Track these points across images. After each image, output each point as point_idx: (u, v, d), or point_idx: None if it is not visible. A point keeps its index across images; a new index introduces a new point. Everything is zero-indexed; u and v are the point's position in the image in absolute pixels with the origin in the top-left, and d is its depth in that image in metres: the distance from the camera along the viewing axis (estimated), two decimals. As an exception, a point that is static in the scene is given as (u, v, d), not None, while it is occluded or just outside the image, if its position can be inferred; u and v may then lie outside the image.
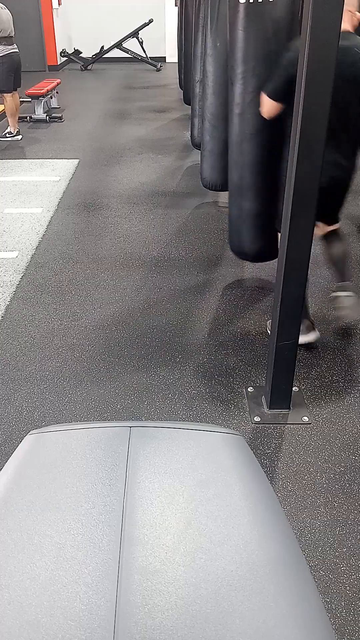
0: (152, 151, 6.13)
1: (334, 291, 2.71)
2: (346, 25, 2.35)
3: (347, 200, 4.64)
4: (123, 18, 11.89)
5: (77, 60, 12.31)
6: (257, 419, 2.34)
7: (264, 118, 2.60)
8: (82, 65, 12.11)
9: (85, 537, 0.76)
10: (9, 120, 6.52)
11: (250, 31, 2.57)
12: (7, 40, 6.06)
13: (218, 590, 0.70)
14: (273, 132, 2.73)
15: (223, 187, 4.30)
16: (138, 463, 0.90)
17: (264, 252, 3.10)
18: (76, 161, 5.78)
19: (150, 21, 11.55)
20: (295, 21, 2.62)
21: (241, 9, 2.55)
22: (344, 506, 1.96)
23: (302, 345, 2.72)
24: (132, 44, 11.88)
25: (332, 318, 3.03)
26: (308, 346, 2.79)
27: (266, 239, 3.01)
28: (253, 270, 3.61)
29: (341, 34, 1.84)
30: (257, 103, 2.64)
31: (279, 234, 2.36)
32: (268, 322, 3.05)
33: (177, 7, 9.10)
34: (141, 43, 11.70)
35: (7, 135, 6.56)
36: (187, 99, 7.15)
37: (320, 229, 2.75)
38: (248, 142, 2.81)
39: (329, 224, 2.80)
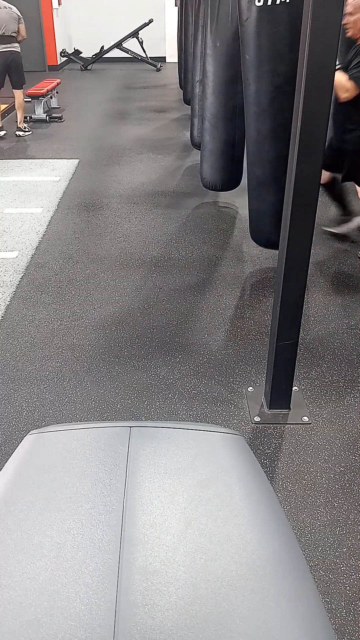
0: (152, 151, 6.13)
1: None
2: None
3: (347, 200, 4.61)
4: (123, 18, 11.89)
5: (77, 60, 12.30)
6: (257, 419, 2.34)
7: (283, 117, 2.75)
8: (82, 65, 12.11)
9: (85, 537, 0.76)
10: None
11: (266, 33, 2.60)
12: (2, 38, 6.24)
13: (218, 590, 0.70)
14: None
15: (223, 187, 4.30)
16: (138, 463, 0.90)
17: None
18: (76, 161, 5.77)
19: (150, 21, 11.55)
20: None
21: (255, 12, 2.57)
22: (344, 506, 1.96)
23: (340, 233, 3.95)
24: (132, 44, 11.88)
25: (332, 318, 3.04)
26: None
27: None
28: (253, 270, 3.61)
29: None
30: (278, 102, 2.73)
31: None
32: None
33: (177, 7, 9.10)
34: (141, 43, 11.70)
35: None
36: (187, 99, 7.15)
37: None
38: (269, 140, 2.90)
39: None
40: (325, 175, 3.48)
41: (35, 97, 7.28)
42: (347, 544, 1.83)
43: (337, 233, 3.97)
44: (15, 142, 6.54)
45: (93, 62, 12.18)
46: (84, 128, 7.14)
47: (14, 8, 6.37)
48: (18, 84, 6.60)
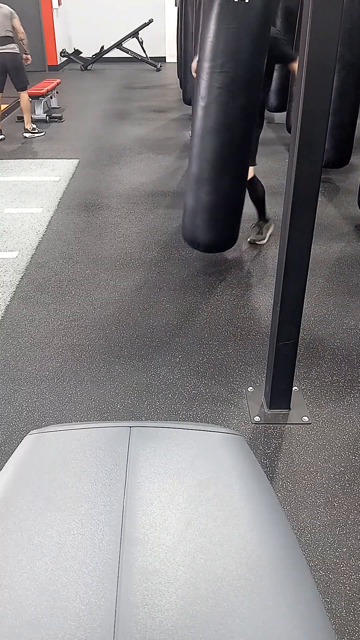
0: (152, 151, 6.13)
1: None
2: None
3: (346, 201, 4.64)
4: (123, 18, 11.89)
5: (77, 60, 12.30)
6: (257, 419, 2.34)
7: (225, 115, 2.80)
8: (82, 65, 12.11)
9: (85, 537, 0.76)
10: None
11: (222, 28, 2.60)
12: None
13: (218, 590, 0.70)
14: (236, 128, 2.84)
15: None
16: (138, 463, 0.90)
17: (217, 243, 3.32)
18: (76, 161, 5.77)
19: (150, 21, 11.55)
20: (268, 23, 2.74)
21: (216, 6, 2.57)
22: (344, 506, 1.96)
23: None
24: (132, 44, 11.88)
25: (332, 318, 3.04)
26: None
27: (219, 230, 3.21)
28: (253, 271, 3.61)
29: None
30: (222, 99, 2.72)
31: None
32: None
33: (177, 7, 9.10)
34: (141, 43, 11.70)
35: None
36: (187, 99, 7.16)
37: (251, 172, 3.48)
38: (210, 136, 2.87)
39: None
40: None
41: (35, 97, 7.29)
42: (347, 544, 1.83)
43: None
44: (19, 142, 6.53)
45: (93, 62, 12.18)
46: (84, 128, 7.14)
47: (4, 5, 6.08)
48: (19, 86, 6.46)
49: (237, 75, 2.69)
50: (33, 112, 7.35)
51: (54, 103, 8.08)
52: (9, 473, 0.93)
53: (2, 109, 7.25)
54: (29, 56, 6.50)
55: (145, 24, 11.49)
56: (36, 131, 6.75)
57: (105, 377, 2.60)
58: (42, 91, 7.31)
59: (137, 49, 11.91)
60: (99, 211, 4.52)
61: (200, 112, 2.86)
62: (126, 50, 11.93)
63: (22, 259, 3.73)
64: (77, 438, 0.99)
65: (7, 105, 7.59)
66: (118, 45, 11.81)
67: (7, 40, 6.13)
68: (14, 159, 5.90)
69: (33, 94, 7.26)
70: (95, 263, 3.67)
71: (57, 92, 8.17)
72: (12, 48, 6.20)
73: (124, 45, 11.87)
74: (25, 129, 6.70)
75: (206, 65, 2.71)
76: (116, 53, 12.04)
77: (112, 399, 2.47)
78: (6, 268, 3.61)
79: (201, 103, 2.82)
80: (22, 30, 6.24)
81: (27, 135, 6.67)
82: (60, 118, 7.51)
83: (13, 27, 6.15)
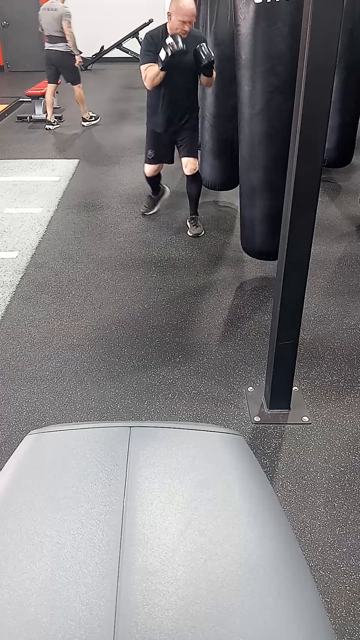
0: (152, 151, 6.12)
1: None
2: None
3: (347, 200, 4.64)
4: (123, 18, 11.87)
5: (77, 60, 12.29)
6: (257, 419, 2.34)
7: (280, 118, 2.71)
8: (82, 65, 12.09)
9: (85, 537, 0.76)
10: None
11: (266, 31, 2.50)
12: (48, 38, 6.57)
13: (218, 590, 0.70)
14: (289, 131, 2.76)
15: (222, 186, 4.31)
16: (138, 463, 0.90)
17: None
18: (76, 161, 5.77)
19: (150, 21, 11.53)
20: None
21: (253, 9, 2.47)
22: (344, 506, 1.96)
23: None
24: (132, 44, 11.87)
25: (332, 318, 3.04)
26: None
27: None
28: (253, 271, 3.60)
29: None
30: (276, 102, 2.65)
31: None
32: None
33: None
34: (141, 43, 11.69)
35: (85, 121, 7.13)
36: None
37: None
38: (267, 142, 2.78)
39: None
40: (157, 167, 4.03)
41: (35, 97, 7.28)
42: (347, 544, 1.83)
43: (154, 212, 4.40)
44: (19, 142, 6.53)
45: (93, 62, 12.17)
46: (84, 128, 7.14)
47: (59, 8, 6.38)
48: (70, 81, 6.91)
49: (288, 75, 2.58)
50: (33, 112, 7.35)
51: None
52: (9, 473, 0.93)
53: (1, 109, 7.26)
54: (77, 56, 6.91)
55: (145, 24, 11.47)
56: (93, 118, 7.14)
57: (105, 377, 2.60)
58: (42, 91, 7.30)
59: (137, 49, 11.89)
60: (99, 211, 4.51)
61: (249, 120, 2.78)
62: (126, 50, 11.92)
63: (22, 259, 3.73)
64: (77, 438, 0.99)
65: (6, 105, 7.58)
66: (118, 45, 11.80)
67: (56, 39, 6.55)
68: (14, 159, 5.90)
69: (33, 94, 7.25)
70: (95, 263, 3.67)
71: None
72: (61, 47, 6.60)
73: (124, 45, 11.86)
74: (82, 117, 7.07)
75: (251, 72, 2.63)
76: (116, 53, 12.03)
77: (112, 399, 2.47)
78: (6, 268, 3.61)
79: (250, 110, 2.74)
80: (69, 32, 6.57)
81: (84, 124, 7.03)
82: (60, 118, 7.50)
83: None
